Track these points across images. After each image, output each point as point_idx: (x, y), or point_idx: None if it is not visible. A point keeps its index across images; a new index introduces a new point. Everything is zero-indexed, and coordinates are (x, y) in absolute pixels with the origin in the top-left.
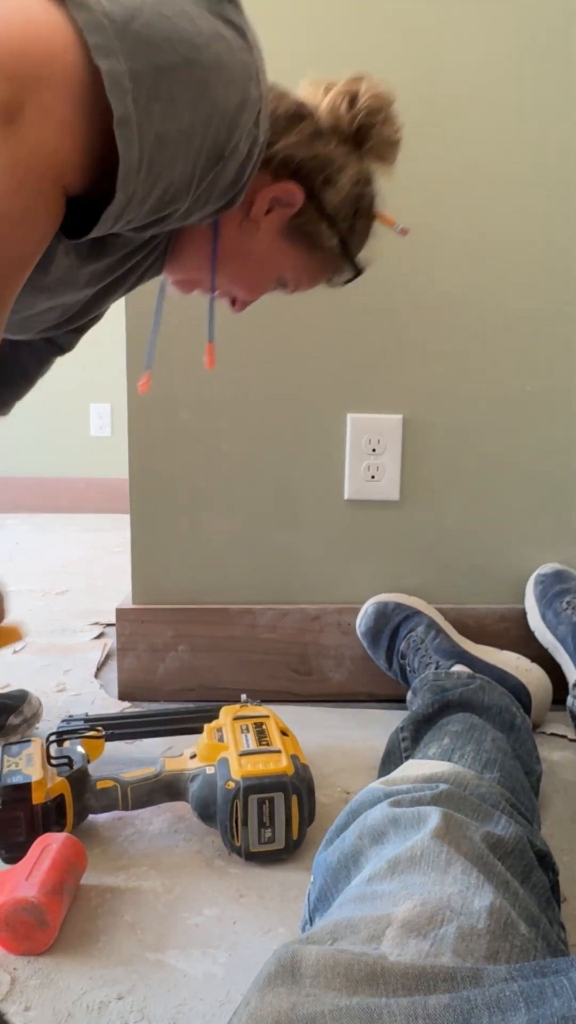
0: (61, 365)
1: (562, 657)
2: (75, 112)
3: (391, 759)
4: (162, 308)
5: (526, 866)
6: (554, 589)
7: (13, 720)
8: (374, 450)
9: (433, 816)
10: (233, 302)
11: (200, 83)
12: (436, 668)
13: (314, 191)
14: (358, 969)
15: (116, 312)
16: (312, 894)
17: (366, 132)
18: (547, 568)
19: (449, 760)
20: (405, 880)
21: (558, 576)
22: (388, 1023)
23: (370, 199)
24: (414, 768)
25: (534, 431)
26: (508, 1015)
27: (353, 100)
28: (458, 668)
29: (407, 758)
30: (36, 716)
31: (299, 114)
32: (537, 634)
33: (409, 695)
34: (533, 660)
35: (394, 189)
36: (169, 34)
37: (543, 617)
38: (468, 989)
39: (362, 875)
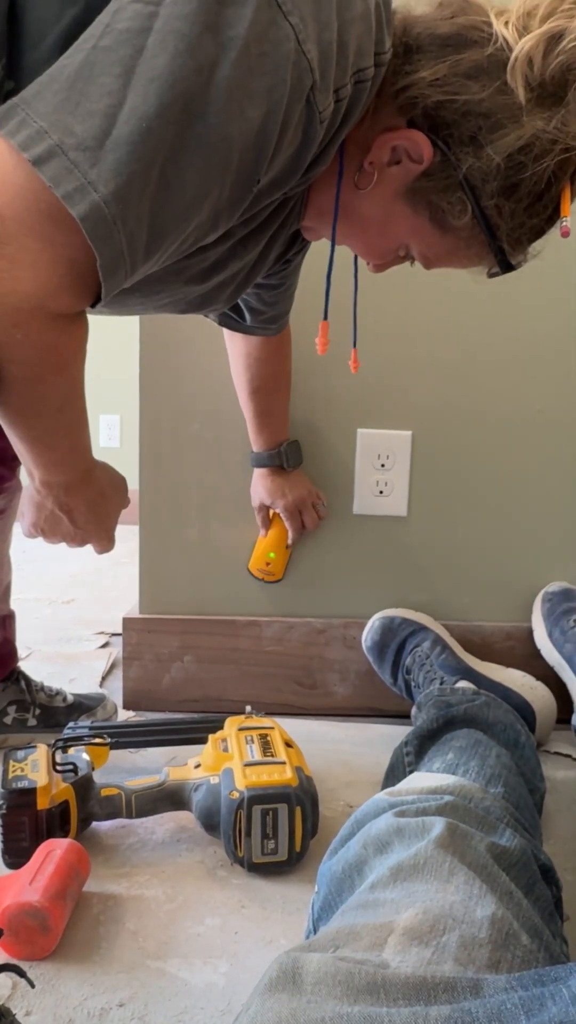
0: None
1: (568, 676)
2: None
3: (395, 774)
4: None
5: (530, 878)
6: (562, 607)
7: (83, 720)
8: (383, 465)
9: (437, 826)
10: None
11: (204, 134)
12: (441, 684)
13: (451, 147)
14: (359, 978)
15: (127, 323)
16: (316, 903)
17: (559, 85)
18: (555, 586)
19: (454, 774)
20: (408, 888)
21: (566, 594)
22: None
23: (542, 177)
24: (420, 780)
25: (543, 449)
26: None
27: (555, 39)
28: (463, 684)
29: (411, 773)
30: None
31: (460, 40)
32: (543, 652)
33: (413, 710)
34: (538, 679)
35: None
36: (160, 107)
37: (550, 635)
38: (469, 1000)
39: (365, 883)
